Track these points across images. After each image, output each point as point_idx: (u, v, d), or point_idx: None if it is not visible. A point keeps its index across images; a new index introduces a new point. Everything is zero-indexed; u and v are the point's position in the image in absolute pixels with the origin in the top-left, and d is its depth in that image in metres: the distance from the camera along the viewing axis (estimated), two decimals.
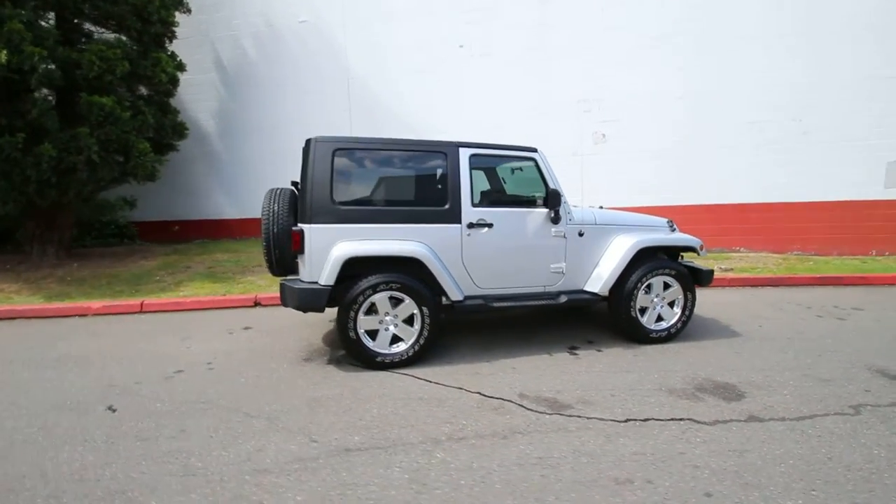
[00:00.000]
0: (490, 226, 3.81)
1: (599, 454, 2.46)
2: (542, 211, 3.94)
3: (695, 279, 4.26)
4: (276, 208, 3.75)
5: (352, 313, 3.49)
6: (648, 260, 4.13)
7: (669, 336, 4.15)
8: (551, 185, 3.91)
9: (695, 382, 3.35)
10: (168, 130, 8.07)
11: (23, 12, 6.04)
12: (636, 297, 4.03)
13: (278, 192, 3.87)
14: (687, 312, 4.19)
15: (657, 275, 4.08)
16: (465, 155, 3.80)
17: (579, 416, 2.87)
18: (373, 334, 3.60)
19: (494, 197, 4.33)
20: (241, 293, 6.01)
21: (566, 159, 8.15)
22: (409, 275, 3.60)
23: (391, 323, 3.62)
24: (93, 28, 7.46)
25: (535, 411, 2.94)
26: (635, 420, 2.81)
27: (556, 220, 3.94)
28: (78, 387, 3.42)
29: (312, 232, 3.51)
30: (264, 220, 3.75)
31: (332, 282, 3.46)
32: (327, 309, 3.66)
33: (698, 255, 4.45)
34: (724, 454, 2.45)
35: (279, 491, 2.19)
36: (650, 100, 8.30)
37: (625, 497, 2.12)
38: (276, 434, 2.70)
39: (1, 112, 6.21)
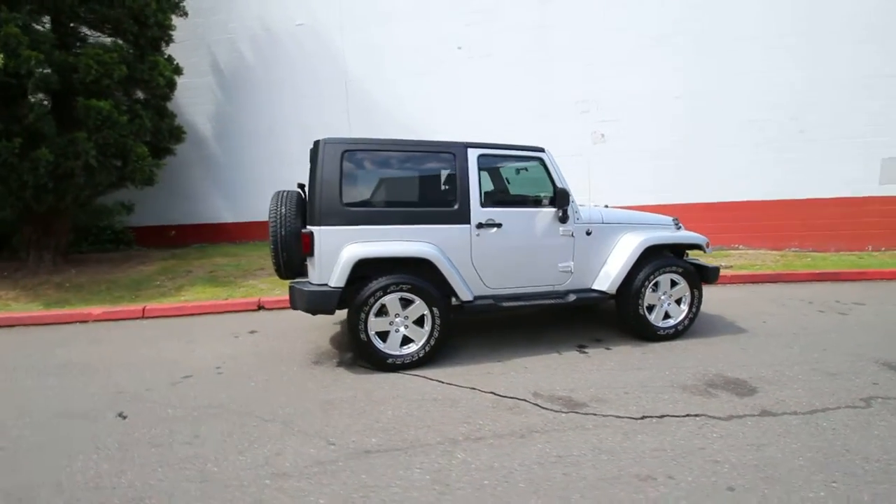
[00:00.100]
0: (499, 226, 3.81)
1: (619, 451, 2.46)
2: (550, 210, 3.95)
3: (701, 276, 4.28)
4: (283, 211, 3.72)
5: (362, 315, 3.48)
6: (655, 258, 4.15)
7: (677, 333, 4.17)
8: (559, 185, 3.92)
9: (706, 378, 3.36)
10: (165, 134, 7.99)
11: (18, 16, 5.97)
12: (644, 295, 4.05)
13: (285, 194, 3.84)
14: (694, 309, 4.21)
15: (664, 272, 4.10)
16: (473, 155, 3.80)
17: (595, 414, 2.87)
18: (383, 336, 3.58)
19: (502, 197, 4.33)
20: (243, 297, 5.96)
21: (570, 159, 8.16)
22: (418, 276, 3.59)
23: (402, 324, 3.61)
24: (89, 32, 7.38)
25: (551, 410, 2.94)
26: (651, 417, 2.82)
27: (564, 219, 3.96)
28: (85, 394, 3.37)
29: (322, 234, 3.50)
30: (272, 222, 3.72)
31: (342, 284, 3.44)
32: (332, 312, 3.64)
33: (705, 252, 4.48)
34: (742, 449, 2.46)
35: (301, 495, 2.17)
36: (650, 99, 8.34)
37: (648, 493, 2.13)
38: (292, 438, 2.68)
39: None
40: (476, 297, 3.78)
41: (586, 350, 3.99)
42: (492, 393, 3.20)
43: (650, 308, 4.12)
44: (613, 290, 4.05)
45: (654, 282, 4.08)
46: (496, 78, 8.71)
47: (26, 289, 6.46)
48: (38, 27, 6.66)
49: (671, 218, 4.55)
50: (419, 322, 3.63)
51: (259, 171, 9.41)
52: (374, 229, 3.58)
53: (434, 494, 2.16)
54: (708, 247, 4.44)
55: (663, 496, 2.10)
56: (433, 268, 3.60)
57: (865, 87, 7.84)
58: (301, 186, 3.98)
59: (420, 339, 3.62)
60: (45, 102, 6.87)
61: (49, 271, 7.12)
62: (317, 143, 3.62)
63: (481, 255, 3.79)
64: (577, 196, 4.07)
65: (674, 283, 4.17)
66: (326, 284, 3.49)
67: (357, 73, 9.13)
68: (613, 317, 4.71)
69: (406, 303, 3.58)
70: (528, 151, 4.01)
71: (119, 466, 2.45)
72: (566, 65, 8.55)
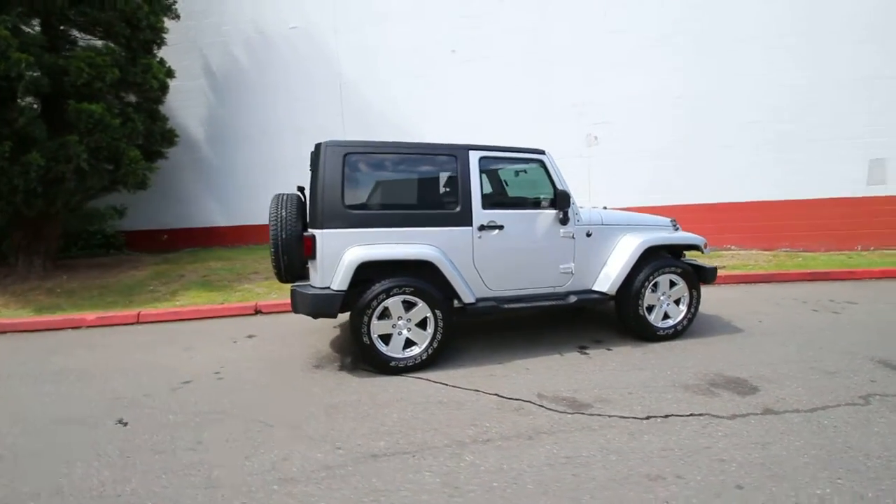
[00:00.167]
0: (501, 228, 3.82)
1: (627, 451, 2.47)
2: (551, 212, 3.97)
3: (699, 277, 4.33)
4: (283, 214, 3.70)
5: (365, 318, 3.46)
6: (654, 259, 4.18)
7: (676, 333, 4.21)
8: (560, 187, 3.94)
9: (707, 378, 3.40)
10: (157, 137, 7.91)
11: (7, 18, 5.87)
12: (643, 296, 4.08)
13: (285, 197, 3.82)
14: (693, 310, 4.25)
15: (663, 273, 4.14)
16: (474, 158, 3.81)
17: (600, 415, 2.88)
18: (386, 339, 3.57)
19: (503, 199, 4.35)
20: (239, 301, 5.91)
21: (568, 161, 8.20)
22: (421, 278, 3.58)
23: (404, 327, 3.60)
24: (79, 35, 7.29)
25: (556, 411, 2.94)
26: (656, 417, 2.84)
27: (564, 220, 3.98)
28: (82, 400, 3.31)
29: (324, 237, 3.48)
30: (272, 226, 3.70)
31: (345, 287, 3.42)
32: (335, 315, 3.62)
33: (703, 253, 4.53)
34: (747, 447, 2.49)
35: (311, 500, 2.15)
36: (650, 100, 8.39)
37: (658, 493, 2.14)
38: (298, 442, 2.65)
39: None
40: (478, 299, 3.78)
41: (587, 351, 4.01)
42: (496, 395, 3.20)
43: (650, 308, 4.16)
44: (614, 291, 4.08)
45: (653, 282, 4.12)
46: (494, 80, 8.71)
47: (16, 294, 6.34)
48: (28, 30, 6.57)
49: (669, 219, 4.60)
50: (422, 325, 3.62)
51: (252, 174, 9.34)
52: (376, 232, 3.57)
53: (445, 497, 2.15)
54: (706, 247, 4.49)
55: (674, 496, 2.12)
56: (435, 270, 3.60)
57: (865, 88, 7.93)
58: (301, 189, 3.97)
59: (423, 342, 3.62)
60: (36, 106, 6.77)
61: (39, 277, 6.99)
62: (318, 146, 3.61)
63: (483, 257, 3.80)
64: (576, 197, 4.09)
65: (673, 284, 4.20)
66: (329, 288, 3.47)
67: (351, 76, 9.11)
68: (612, 318, 4.74)
69: (409, 305, 3.58)
70: (528, 154, 4.03)
71: (122, 473, 2.41)
72: (565, 66, 8.57)
